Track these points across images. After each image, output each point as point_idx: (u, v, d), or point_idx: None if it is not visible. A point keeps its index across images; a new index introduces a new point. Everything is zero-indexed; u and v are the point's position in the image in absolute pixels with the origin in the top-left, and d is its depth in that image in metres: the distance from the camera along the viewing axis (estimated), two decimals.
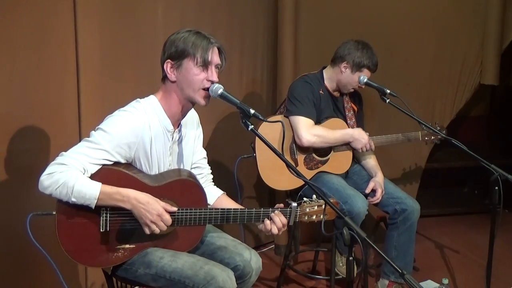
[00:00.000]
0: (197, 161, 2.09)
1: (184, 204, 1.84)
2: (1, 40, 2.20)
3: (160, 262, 1.82)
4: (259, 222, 1.89)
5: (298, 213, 1.94)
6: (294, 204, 1.91)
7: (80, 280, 2.57)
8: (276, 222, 1.86)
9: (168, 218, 1.75)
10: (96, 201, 1.69)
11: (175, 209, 1.79)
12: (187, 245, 1.91)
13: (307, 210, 1.95)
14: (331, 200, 1.86)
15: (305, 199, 1.96)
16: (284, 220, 1.87)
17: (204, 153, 2.14)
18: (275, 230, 1.86)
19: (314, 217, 1.96)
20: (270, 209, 1.88)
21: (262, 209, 1.88)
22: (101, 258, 1.80)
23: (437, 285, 2.86)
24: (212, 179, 2.17)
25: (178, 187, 1.86)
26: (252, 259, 1.93)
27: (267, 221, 1.87)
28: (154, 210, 1.73)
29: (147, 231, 1.76)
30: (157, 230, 1.75)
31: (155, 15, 2.71)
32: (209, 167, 2.15)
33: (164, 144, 1.90)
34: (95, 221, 1.76)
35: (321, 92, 2.71)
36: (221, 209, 1.88)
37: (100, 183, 1.70)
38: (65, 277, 1.83)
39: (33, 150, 2.33)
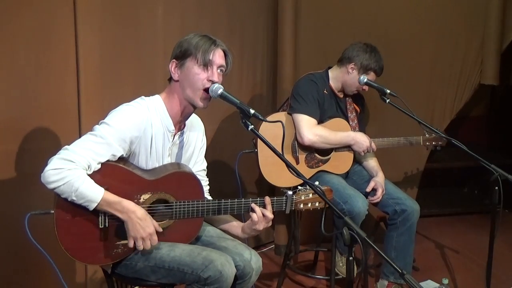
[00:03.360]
0: (196, 172, 2.09)
1: (182, 196, 1.86)
2: (1, 41, 2.20)
3: (158, 253, 1.84)
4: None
5: (294, 201, 1.96)
6: (290, 192, 1.95)
7: (80, 279, 2.57)
8: (258, 212, 1.88)
9: (155, 239, 1.80)
10: (95, 205, 1.70)
11: (161, 229, 1.82)
12: (185, 238, 1.93)
13: (303, 198, 1.98)
14: (325, 188, 1.93)
15: (299, 187, 1.99)
16: (269, 215, 1.89)
17: (204, 165, 2.15)
18: (255, 218, 1.88)
19: (309, 205, 2.00)
20: (263, 198, 1.91)
21: (258, 199, 1.91)
22: (101, 255, 1.81)
23: (437, 285, 2.86)
24: (209, 190, 2.18)
25: (175, 180, 1.87)
26: (252, 259, 1.94)
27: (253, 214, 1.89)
28: (148, 228, 1.77)
29: (131, 244, 1.78)
30: (141, 247, 1.78)
31: (155, 16, 2.70)
32: (207, 179, 2.16)
33: (163, 144, 1.91)
34: (94, 218, 1.76)
35: (325, 91, 2.72)
36: (218, 200, 1.90)
37: (103, 189, 1.71)
38: (64, 277, 1.83)
39: (33, 150, 2.33)
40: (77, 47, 2.38)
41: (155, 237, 1.79)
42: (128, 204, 1.75)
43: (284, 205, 1.95)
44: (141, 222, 1.75)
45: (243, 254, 1.94)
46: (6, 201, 2.29)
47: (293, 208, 1.98)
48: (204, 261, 1.79)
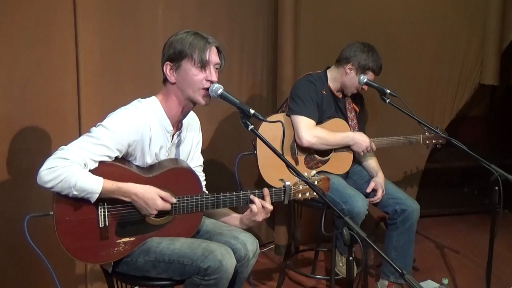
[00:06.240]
0: (193, 168, 2.09)
1: (181, 192, 1.87)
2: (1, 41, 2.20)
3: (159, 247, 1.85)
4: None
5: (292, 191, 1.99)
6: (288, 182, 1.97)
7: (80, 280, 2.57)
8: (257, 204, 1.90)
9: (167, 206, 1.81)
10: (97, 195, 1.71)
11: (174, 200, 1.83)
12: (186, 233, 1.93)
13: (301, 187, 2.01)
14: (322, 177, 2.04)
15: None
16: (268, 206, 1.91)
17: (201, 160, 2.15)
18: (255, 209, 1.90)
19: (307, 194, 2.03)
20: (261, 190, 1.93)
21: (256, 191, 1.93)
22: (102, 253, 1.81)
23: (437, 285, 2.86)
24: (206, 185, 2.18)
25: (174, 176, 1.88)
26: (248, 241, 1.94)
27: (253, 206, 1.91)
28: (154, 205, 1.78)
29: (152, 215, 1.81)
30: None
31: (155, 16, 2.71)
32: (204, 175, 2.17)
33: (162, 145, 1.91)
34: (94, 217, 1.77)
35: (323, 92, 2.72)
36: (216, 193, 1.90)
37: (102, 179, 1.72)
38: (64, 279, 1.83)
39: (32, 150, 2.33)
40: (77, 47, 2.38)
41: (168, 205, 1.81)
42: (128, 186, 1.76)
43: (283, 195, 1.97)
44: (147, 201, 1.77)
45: (238, 236, 1.95)
46: (5, 202, 2.28)
47: (291, 198, 2.00)
48: (204, 251, 1.79)
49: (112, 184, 1.74)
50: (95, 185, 1.70)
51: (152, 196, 1.78)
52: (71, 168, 1.66)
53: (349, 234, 1.54)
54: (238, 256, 1.90)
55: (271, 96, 3.36)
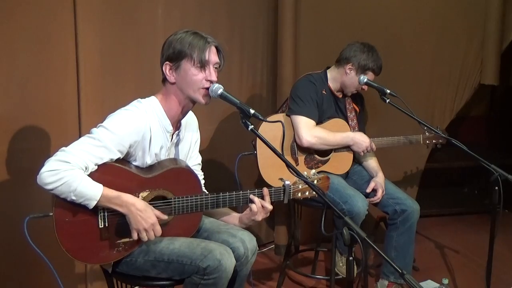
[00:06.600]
0: (191, 167, 2.09)
1: (180, 192, 1.87)
2: (1, 41, 2.20)
3: (158, 247, 1.85)
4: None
5: (291, 191, 1.99)
6: (288, 182, 1.98)
7: (79, 280, 2.57)
8: (257, 203, 1.91)
9: (159, 229, 1.80)
10: (95, 202, 1.70)
11: (165, 217, 1.83)
12: (185, 232, 1.93)
13: (300, 186, 2.01)
14: (322, 176, 2.05)
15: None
16: (268, 206, 1.92)
17: (199, 159, 2.15)
18: (254, 208, 1.91)
19: (307, 193, 2.04)
20: (261, 189, 1.94)
21: (256, 190, 1.93)
22: (102, 254, 1.81)
23: (437, 285, 2.86)
24: (204, 184, 2.18)
25: (173, 176, 1.88)
26: (246, 239, 1.95)
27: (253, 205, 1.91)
28: (149, 219, 1.77)
29: (135, 236, 1.79)
30: (145, 238, 1.79)
31: (155, 16, 2.71)
32: (202, 173, 2.17)
33: (162, 145, 1.91)
34: (94, 217, 1.77)
35: (323, 92, 2.72)
36: (216, 193, 1.90)
37: (101, 186, 1.71)
38: (64, 280, 1.83)
39: (32, 151, 2.33)
40: (77, 47, 2.39)
41: (158, 227, 1.80)
42: (127, 197, 1.75)
43: (282, 195, 1.98)
44: (142, 214, 1.75)
45: (236, 235, 1.95)
46: (5, 202, 2.28)
47: (291, 197, 2.00)
48: (203, 251, 1.80)
49: (112, 192, 1.73)
50: (94, 192, 1.69)
51: (148, 211, 1.77)
52: (73, 172, 1.66)
53: (349, 234, 1.54)
54: (236, 255, 1.90)
55: (271, 96, 3.36)
